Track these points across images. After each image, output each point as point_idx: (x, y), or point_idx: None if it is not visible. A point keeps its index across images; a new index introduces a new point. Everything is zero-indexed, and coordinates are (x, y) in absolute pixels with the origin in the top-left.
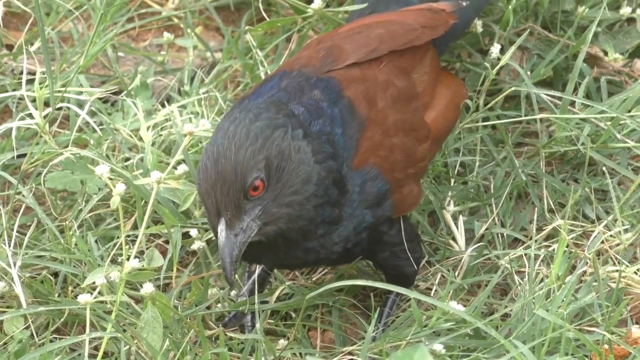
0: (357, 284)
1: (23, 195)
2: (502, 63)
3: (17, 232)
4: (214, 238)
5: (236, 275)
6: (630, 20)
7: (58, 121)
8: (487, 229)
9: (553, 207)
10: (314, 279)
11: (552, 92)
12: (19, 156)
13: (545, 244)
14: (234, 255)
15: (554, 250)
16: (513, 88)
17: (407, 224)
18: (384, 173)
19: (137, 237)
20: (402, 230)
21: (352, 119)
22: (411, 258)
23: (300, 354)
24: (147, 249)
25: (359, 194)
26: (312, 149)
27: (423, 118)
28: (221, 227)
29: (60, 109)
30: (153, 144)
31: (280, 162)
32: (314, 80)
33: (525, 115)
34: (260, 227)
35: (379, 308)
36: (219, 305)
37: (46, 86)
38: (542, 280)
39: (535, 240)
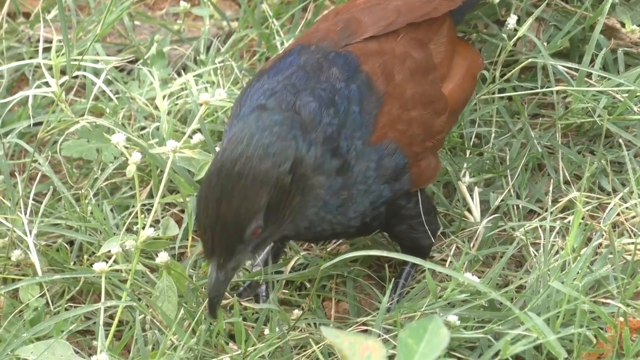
0: (372, 255)
1: (39, 164)
2: (519, 34)
3: (33, 200)
4: None
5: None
6: None
7: (74, 89)
8: (502, 200)
9: (569, 178)
10: (328, 250)
11: (568, 64)
12: (35, 124)
13: (561, 215)
14: (220, 294)
15: (569, 222)
16: (530, 60)
17: (423, 196)
18: (402, 147)
19: (152, 206)
20: (420, 203)
21: (370, 94)
22: (428, 230)
23: (315, 324)
24: (162, 218)
25: (375, 170)
26: (314, 164)
27: (440, 90)
28: (212, 267)
29: (76, 77)
30: (169, 113)
31: (278, 202)
32: (332, 56)
33: (542, 87)
34: (251, 258)
35: (393, 279)
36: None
37: (63, 54)
38: (557, 252)
39: (551, 212)
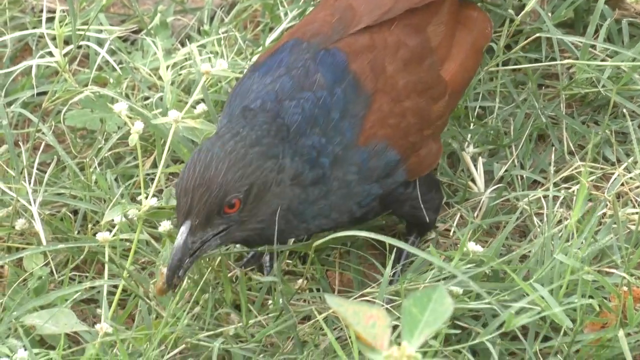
0: (375, 225)
1: (43, 133)
2: (527, 9)
3: (37, 169)
4: None
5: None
6: None
7: (78, 59)
8: (506, 170)
9: (573, 149)
10: None
11: (573, 38)
12: (39, 94)
13: (565, 185)
14: (182, 264)
15: (573, 192)
16: (537, 35)
17: (425, 175)
18: (395, 142)
19: (155, 175)
20: (420, 184)
21: (356, 96)
22: (431, 208)
23: (320, 297)
24: (165, 187)
25: (357, 173)
26: (294, 174)
27: (439, 74)
28: (183, 229)
29: (80, 47)
30: (172, 83)
31: (260, 191)
32: (321, 56)
33: (546, 57)
34: (218, 245)
35: (395, 249)
36: (237, 245)
37: (67, 24)
38: (560, 222)
39: (555, 183)
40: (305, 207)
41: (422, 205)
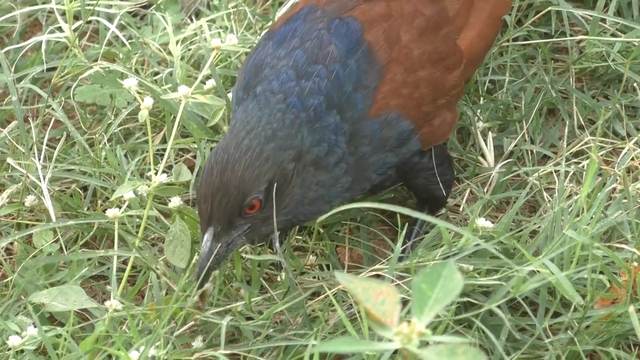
0: (385, 199)
1: (53, 109)
2: None
3: (47, 145)
4: None
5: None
6: None
7: (87, 35)
8: (516, 145)
9: (583, 123)
10: None
11: (583, 12)
12: (48, 70)
13: (575, 160)
14: (210, 267)
15: (583, 167)
16: (549, 9)
17: (439, 148)
18: (408, 112)
19: (165, 151)
20: (434, 156)
21: (370, 67)
22: (443, 181)
23: (329, 270)
24: (175, 163)
25: (369, 144)
26: (314, 159)
27: (455, 44)
28: (207, 237)
29: (89, 22)
30: (182, 59)
31: (280, 185)
32: (335, 25)
33: (556, 31)
34: (244, 242)
35: (407, 224)
36: None
37: None
38: (570, 197)
39: (565, 157)
40: (329, 188)
41: (437, 176)
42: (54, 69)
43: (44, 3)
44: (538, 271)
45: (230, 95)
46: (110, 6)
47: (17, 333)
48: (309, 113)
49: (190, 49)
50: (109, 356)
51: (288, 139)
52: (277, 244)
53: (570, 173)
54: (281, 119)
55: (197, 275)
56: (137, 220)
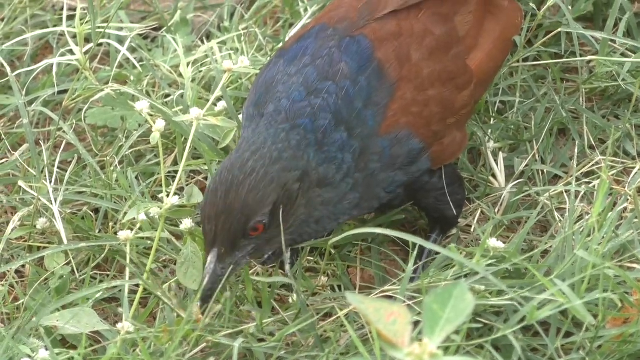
0: (395, 220)
1: (64, 132)
2: (550, 3)
3: (58, 168)
4: None
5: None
6: None
7: (98, 57)
8: (527, 165)
9: (593, 143)
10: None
11: (593, 33)
12: (59, 92)
13: (586, 180)
14: (214, 288)
15: (594, 186)
16: (560, 30)
17: (449, 168)
18: (417, 130)
19: (177, 173)
20: (444, 176)
21: (380, 84)
22: (454, 201)
23: (342, 296)
24: (187, 185)
25: (379, 161)
26: (320, 179)
27: (464, 64)
28: (211, 258)
29: (100, 45)
30: (193, 80)
31: (285, 207)
32: (346, 43)
33: (566, 51)
34: (248, 262)
35: (418, 245)
36: None
37: (87, 22)
38: (581, 217)
39: (576, 177)
40: (336, 205)
41: (448, 196)
42: (65, 91)
43: (55, 26)
44: (547, 289)
45: (241, 117)
46: (121, 29)
47: (29, 356)
48: (317, 135)
49: (201, 71)
50: None
51: (294, 160)
52: (288, 267)
53: (581, 193)
54: (286, 139)
55: (202, 296)
56: (149, 242)
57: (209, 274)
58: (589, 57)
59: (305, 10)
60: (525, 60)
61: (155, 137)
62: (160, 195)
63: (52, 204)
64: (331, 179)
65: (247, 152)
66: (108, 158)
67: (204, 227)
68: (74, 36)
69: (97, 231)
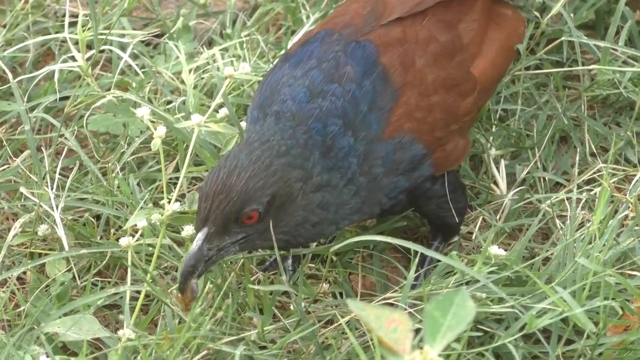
0: (397, 227)
1: (65, 138)
2: (553, 12)
3: (60, 174)
4: None
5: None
6: None
7: (100, 64)
8: (528, 172)
9: (595, 150)
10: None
11: (595, 41)
12: (61, 99)
13: (587, 187)
14: (195, 270)
15: (595, 194)
16: (562, 39)
17: (452, 175)
18: (421, 135)
19: (178, 179)
20: (447, 183)
21: (384, 88)
22: (455, 209)
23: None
24: (188, 192)
25: (382, 166)
26: (322, 183)
27: (468, 71)
28: (200, 236)
29: (102, 51)
30: (195, 87)
31: (283, 203)
32: (351, 48)
33: (567, 58)
34: (237, 252)
35: (419, 253)
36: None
37: (89, 29)
38: (582, 224)
39: (577, 185)
40: (337, 209)
41: (449, 202)
42: (66, 98)
43: (57, 32)
44: (548, 296)
45: (243, 124)
46: (123, 35)
47: None
48: (326, 140)
49: (203, 78)
50: None
51: (299, 159)
52: (285, 278)
53: (583, 200)
54: (295, 138)
55: (182, 272)
56: (150, 249)
57: (193, 251)
58: (590, 66)
59: (308, 17)
60: (527, 68)
61: (156, 144)
62: (161, 202)
63: (53, 210)
64: (334, 185)
65: (256, 141)
66: (110, 164)
67: (199, 205)
68: (76, 43)
69: (99, 238)
